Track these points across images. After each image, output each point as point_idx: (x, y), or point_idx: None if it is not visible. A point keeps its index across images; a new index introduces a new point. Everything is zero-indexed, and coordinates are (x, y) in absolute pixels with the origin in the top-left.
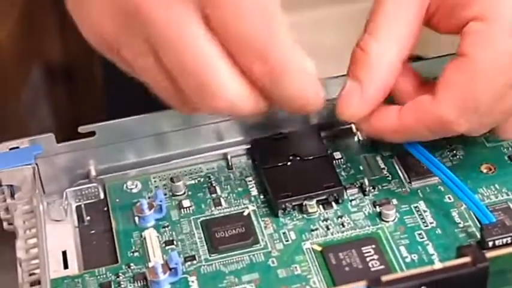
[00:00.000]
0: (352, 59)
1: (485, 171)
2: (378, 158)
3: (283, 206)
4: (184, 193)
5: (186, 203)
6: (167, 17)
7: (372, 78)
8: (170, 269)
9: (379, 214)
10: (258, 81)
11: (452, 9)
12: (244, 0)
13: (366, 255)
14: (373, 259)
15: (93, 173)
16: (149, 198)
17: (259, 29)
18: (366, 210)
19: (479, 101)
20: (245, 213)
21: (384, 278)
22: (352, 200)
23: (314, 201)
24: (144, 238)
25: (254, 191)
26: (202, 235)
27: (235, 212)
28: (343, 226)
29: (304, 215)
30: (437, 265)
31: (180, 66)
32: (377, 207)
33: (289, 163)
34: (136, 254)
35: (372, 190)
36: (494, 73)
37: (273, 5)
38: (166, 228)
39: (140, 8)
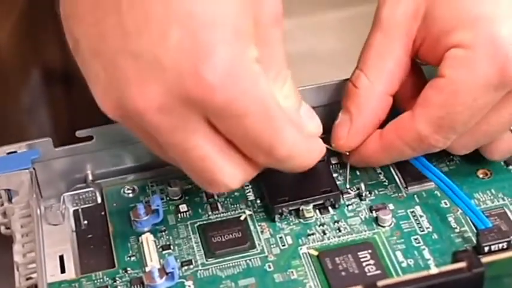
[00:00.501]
0: (345, 93)
1: (481, 176)
2: None
3: (280, 210)
4: (181, 198)
5: (183, 207)
6: (170, 124)
7: (361, 111)
8: (167, 274)
9: (376, 219)
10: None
11: (437, 38)
12: (247, 109)
13: (362, 260)
14: (370, 264)
15: (90, 177)
16: (146, 202)
17: (264, 132)
18: (362, 215)
19: (455, 121)
20: (242, 218)
21: (380, 283)
22: (349, 204)
23: (311, 206)
24: (141, 242)
25: (251, 196)
26: (199, 240)
27: (232, 216)
28: (340, 231)
29: (301, 220)
30: (433, 270)
31: (184, 164)
32: (373, 212)
33: None
34: (133, 258)
35: (369, 195)
36: (471, 95)
37: (273, 103)
38: (163, 233)
39: (144, 115)
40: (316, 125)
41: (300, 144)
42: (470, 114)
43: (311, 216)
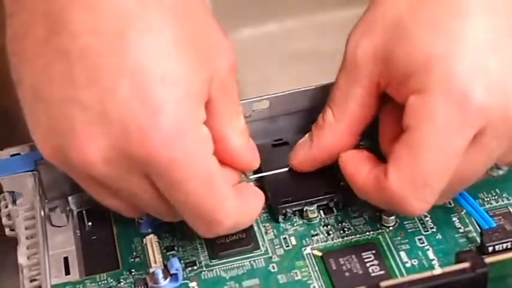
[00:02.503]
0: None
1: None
2: None
3: (284, 211)
4: None
5: None
6: (117, 175)
7: (319, 143)
8: (171, 275)
9: (380, 219)
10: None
11: (398, 83)
12: (192, 173)
13: (366, 260)
14: (374, 264)
15: None
16: None
17: (205, 200)
18: (366, 215)
19: (429, 175)
20: None
21: (383, 284)
22: (353, 205)
23: (315, 207)
24: (145, 244)
25: None
26: (203, 241)
27: None
28: (344, 231)
29: (305, 221)
30: (437, 271)
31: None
32: (377, 212)
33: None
34: (137, 259)
35: None
36: (437, 143)
37: (217, 171)
38: (167, 234)
39: (90, 167)
40: (256, 160)
41: (239, 213)
42: (443, 164)
43: (315, 217)
